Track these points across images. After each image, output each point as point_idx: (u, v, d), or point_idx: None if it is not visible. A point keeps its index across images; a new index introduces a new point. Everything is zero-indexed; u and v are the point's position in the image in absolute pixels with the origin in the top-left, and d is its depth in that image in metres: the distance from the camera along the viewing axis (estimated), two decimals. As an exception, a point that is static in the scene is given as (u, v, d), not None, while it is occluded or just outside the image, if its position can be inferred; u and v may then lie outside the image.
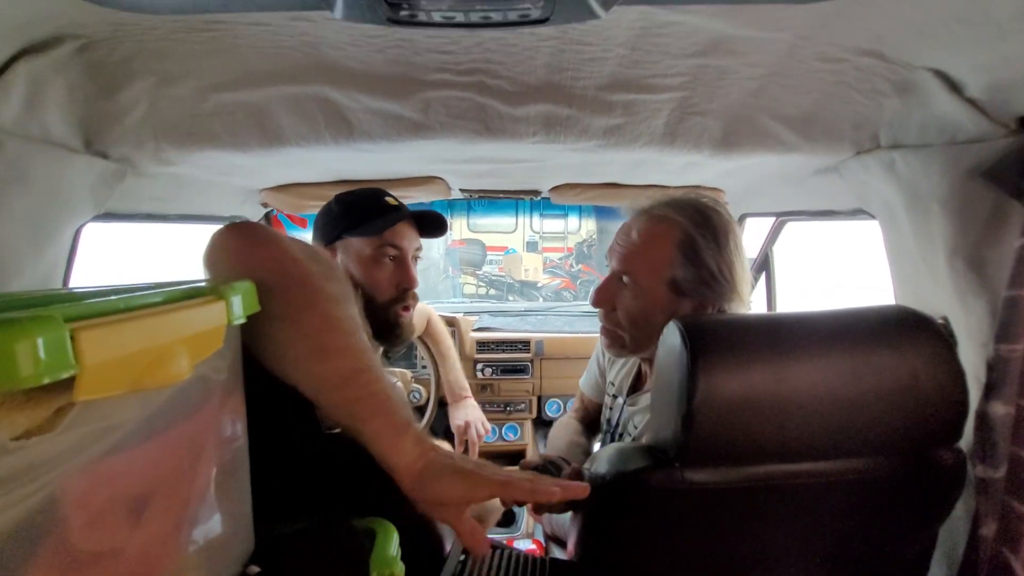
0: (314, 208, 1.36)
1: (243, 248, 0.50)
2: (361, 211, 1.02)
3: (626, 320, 0.89)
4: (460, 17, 0.40)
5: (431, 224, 1.09)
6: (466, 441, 1.57)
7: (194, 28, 0.65)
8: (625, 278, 0.88)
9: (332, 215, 1.05)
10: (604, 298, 0.91)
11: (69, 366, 0.28)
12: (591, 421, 1.28)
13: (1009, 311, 0.61)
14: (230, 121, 0.83)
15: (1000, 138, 0.63)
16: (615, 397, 1.10)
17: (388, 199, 1.05)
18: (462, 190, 1.51)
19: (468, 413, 1.59)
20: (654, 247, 0.85)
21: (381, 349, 1.19)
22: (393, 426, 0.49)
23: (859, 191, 0.91)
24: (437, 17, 0.40)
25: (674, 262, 0.84)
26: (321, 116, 0.83)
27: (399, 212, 1.03)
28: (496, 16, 0.40)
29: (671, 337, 0.60)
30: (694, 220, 0.85)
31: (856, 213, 1.03)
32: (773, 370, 0.57)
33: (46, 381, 0.27)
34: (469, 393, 1.64)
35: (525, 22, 0.41)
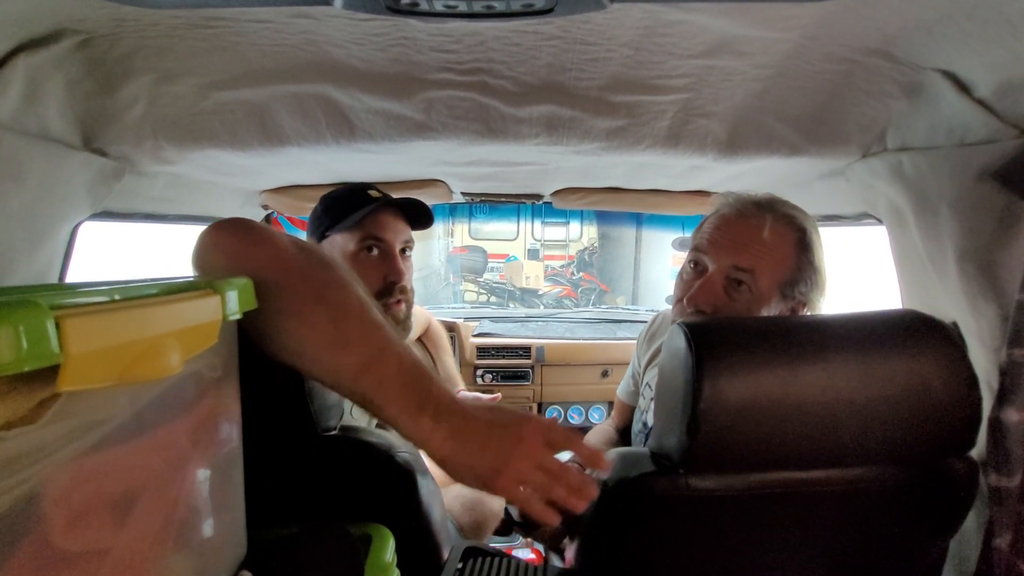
0: (314, 211, 1.36)
1: (238, 246, 0.48)
2: (342, 206, 0.99)
3: None
4: (462, 7, 0.39)
5: (416, 213, 1.05)
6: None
7: (195, 25, 0.65)
8: (743, 275, 0.82)
9: (317, 214, 1.03)
10: (710, 300, 0.83)
11: (53, 355, 0.27)
12: (627, 430, 1.29)
13: (1022, 315, 0.60)
14: (230, 120, 0.82)
15: (1011, 139, 0.62)
16: (652, 400, 1.09)
17: (371, 192, 1.02)
18: (463, 193, 1.50)
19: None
20: (781, 248, 0.82)
21: None
22: (408, 411, 0.48)
23: (865, 195, 0.90)
24: (439, 6, 0.39)
25: (793, 264, 0.82)
26: (322, 115, 0.83)
27: (378, 202, 1.00)
28: (499, 6, 0.39)
29: (676, 340, 0.58)
30: (808, 220, 0.84)
31: (862, 218, 1.02)
32: (780, 375, 0.55)
33: (27, 369, 0.25)
34: (463, 386, 1.63)
35: (529, 12, 0.40)
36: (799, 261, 0.82)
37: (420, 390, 0.50)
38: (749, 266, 0.81)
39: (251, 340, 0.49)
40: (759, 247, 0.81)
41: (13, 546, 0.28)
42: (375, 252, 0.99)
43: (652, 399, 1.11)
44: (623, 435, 1.30)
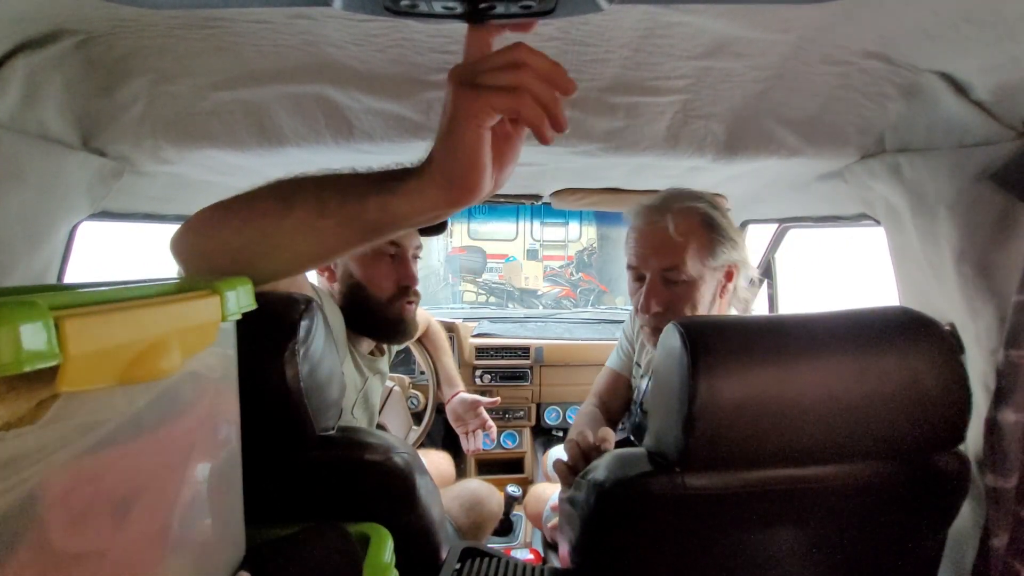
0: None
1: (184, 232, 0.53)
2: None
3: (688, 314, 0.97)
4: (462, 9, 0.39)
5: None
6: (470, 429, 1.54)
7: (194, 25, 0.65)
8: (672, 273, 0.96)
9: None
10: (659, 300, 0.97)
11: (52, 355, 0.27)
12: (610, 409, 1.32)
13: (1019, 316, 0.60)
14: (229, 120, 0.82)
15: (1008, 141, 0.63)
16: (643, 377, 1.22)
17: None
18: (463, 194, 1.50)
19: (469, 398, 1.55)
20: (690, 235, 0.95)
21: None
22: (389, 191, 0.45)
23: (864, 196, 0.90)
24: (438, 8, 0.39)
25: (706, 242, 0.96)
26: (321, 116, 0.83)
27: None
28: (500, 8, 0.39)
29: (670, 339, 0.59)
30: (703, 200, 0.99)
31: (860, 219, 1.02)
32: (775, 372, 0.56)
33: (27, 370, 0.26)
34: (463, 386, 1.62)
35: (529, 14, 0.40)
36: (709, 237, 0.96)
37: (390, 173, 0.47)
38: (672, 264, 0.95)
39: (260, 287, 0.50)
40: (673, 245, 0.95)
41: (12, 546, 0.28)
42: (390, 256, 1.03)
43: (643, 376, 1.22)
44: (609, 414, 1.32)
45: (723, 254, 0.97)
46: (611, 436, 0.97)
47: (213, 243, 0.52)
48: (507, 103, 0.40)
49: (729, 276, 1.00)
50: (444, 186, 0.44)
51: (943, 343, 0.58)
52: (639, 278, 1.01)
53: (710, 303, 0.98)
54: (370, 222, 0.47)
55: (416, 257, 1.09)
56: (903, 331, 0.59)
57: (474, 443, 1.54)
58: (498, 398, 1.60)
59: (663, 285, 0.97)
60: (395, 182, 0.46)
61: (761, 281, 1.59)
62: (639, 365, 1.25)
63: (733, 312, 1.08)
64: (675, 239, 0.94)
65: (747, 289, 1.07)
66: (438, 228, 1.10)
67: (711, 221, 0.97)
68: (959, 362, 0.58)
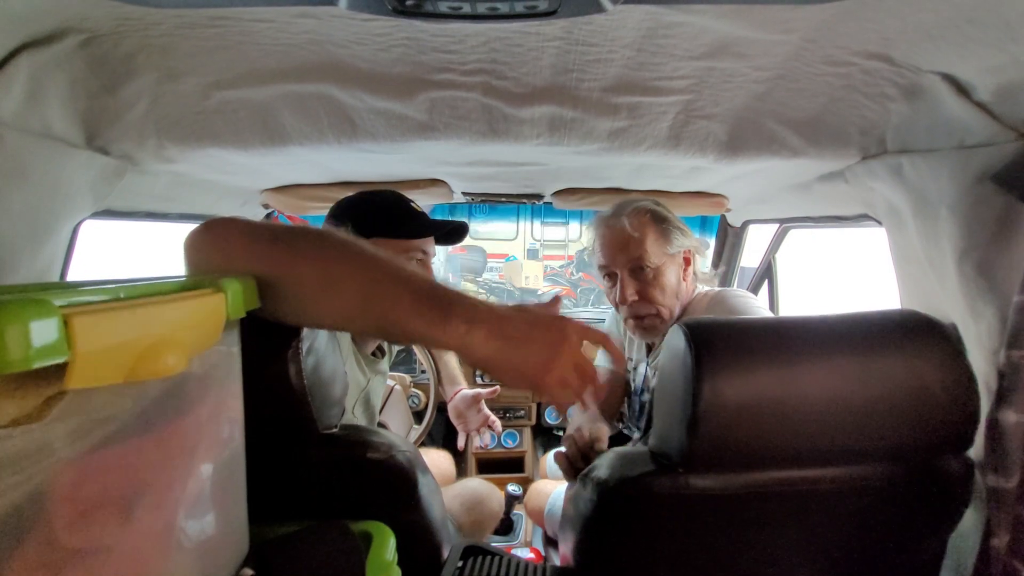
0: (315, 209, 1.35)
1: (214, 240, 0.51)
2: (394, 215, 1.04)
3: (660, 297, 1.11)
4: (467, 8, 0.39)
5: (451, 234, 1.10)
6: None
7: (198, 24, 0.65)
8: (638, 264, 1.09)
9: (363, 212, 1.04)
10: (634, 290, 1.10)
11: (61, 352, 0.27)
12: (606, 405, 1.36)
13: (1020, 316, 0.60)
14: (233, 119, 0.82)
15: (1009, 142, 0.63)
16: (635, 368, 1.34)
17: (413, 204, 1.09)
18: (464, 193, 1.50)
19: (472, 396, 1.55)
20: (644, 231, 1.10)
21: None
22: (434, 321, 0.48)
23: (865, 196, 0.90)
24: (443, 8, 0.39)
25: (659, 234, 1.11)
26: (325, 115, 0.83)
27: (426, 219, 1.07)
28: (503, 8, 0.39)
29: (675, 340, 0.59)
30: (649, 201, 1.16)
31: (861, 219, 1.02)
32: (779, 374, 0.56)
33: (36, 366, 0.26)
34: (464, 384, 1.62)
35: (532, 14, 0.40)
36: (662, 228, 1.11)
37: (441, 301, 0.49)
38: (637, 256, 1.09)
39: (261, 315, 0.50)
40: (633, 241, 1.09)
41: (19, 542, 0.28)
42: (417, 261, 1.07)
43: (635, 367, 1.31)
44: (605, 410, 1.34)
45: (677, 241, 1.12)
46: (604, 435, 1.03)
47: (238, 268, 0.49)
48: (562, 401, 0.54)
49: (688, 261, 1.15)
50: (487, 364, 0.51)
51: (950, 347, 0.58)
52: (611, 276, 1.15)
53: (676, 286, 1.12)
54: (403, 337, 0.51)
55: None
56: (909, 334, 0.59)
57: (480, 440, 1.53)
58: (497, 387, 1.60)
59: (633, 277, 1.11)
60: (439, 312, 0.48)
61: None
62: (631, 359, 1.36)
63: (704, 288, 1.19)
64: (633, 235, 1.09)
65: (707, 273, 1.23)
66: (455, 237, 1.11)
67: (659, 216, 1.12)
68: (967, 367, 0.57)
